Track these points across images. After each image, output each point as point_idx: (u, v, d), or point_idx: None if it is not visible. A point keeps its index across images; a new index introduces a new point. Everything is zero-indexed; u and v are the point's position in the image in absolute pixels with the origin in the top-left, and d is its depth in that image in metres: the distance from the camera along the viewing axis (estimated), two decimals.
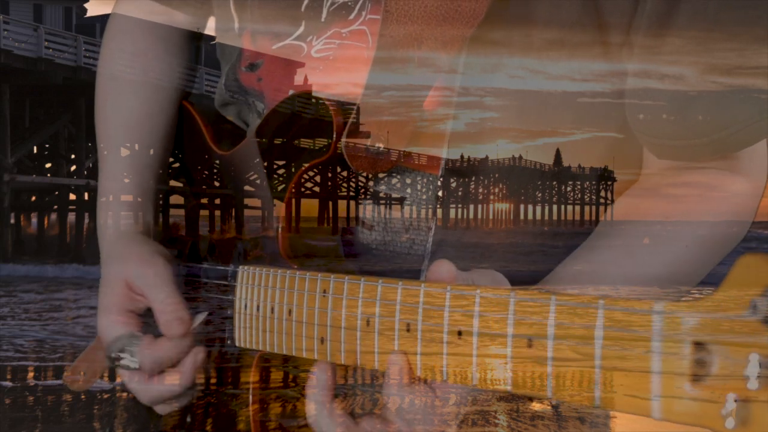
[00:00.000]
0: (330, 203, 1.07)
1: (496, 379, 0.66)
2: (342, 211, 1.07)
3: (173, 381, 1.03)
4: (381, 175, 1.00)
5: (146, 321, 1.07)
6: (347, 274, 0.84)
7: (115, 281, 1.09)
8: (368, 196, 1.00)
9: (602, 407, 0.58)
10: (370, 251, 1.00)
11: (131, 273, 1.07)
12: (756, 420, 0.50)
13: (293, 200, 1.00)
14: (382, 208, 1.00)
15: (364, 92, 0.98)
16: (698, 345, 0.52)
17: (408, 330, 0.74)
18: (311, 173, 1.02)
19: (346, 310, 0.82)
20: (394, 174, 1.00)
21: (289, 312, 0.91)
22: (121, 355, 1.02)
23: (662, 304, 0.55)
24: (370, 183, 1.00)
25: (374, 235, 1.00)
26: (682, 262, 0.97)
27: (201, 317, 1.03)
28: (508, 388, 0.65)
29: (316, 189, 1.05)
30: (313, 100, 1.02)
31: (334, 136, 0.96)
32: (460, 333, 0.69)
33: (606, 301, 0.58)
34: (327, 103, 0.97)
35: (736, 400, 0.50)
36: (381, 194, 1.00)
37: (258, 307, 0.97)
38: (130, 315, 1.07)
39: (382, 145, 0.96)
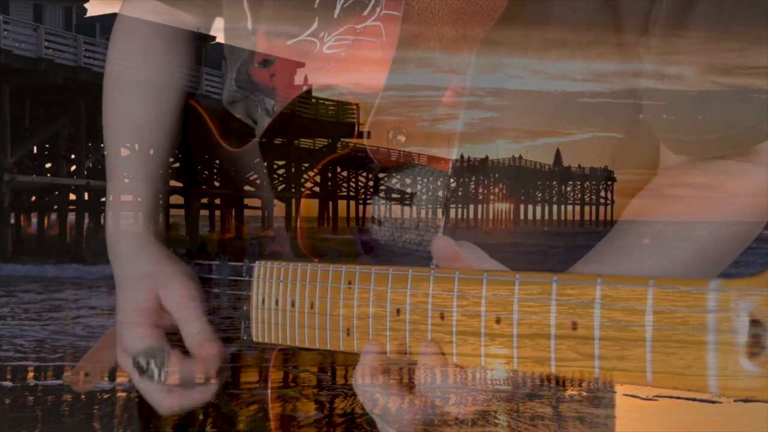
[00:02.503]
0: (330, 203, 1.07)
1: (539, 362, 0.66)
2: (342, 211, 1.07)
3: (195, 398, 1.04)
4: (387, 174, 1.00)
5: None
6: (373, 266, 0.83)
7: (147, 295, 1.09)
8: (375, 194, 1.00)
9: (655, 385, 0.58)
10: (388, 249, 0.99)
11: (165, 292, 1.08)
12: None
13: (303, 199, 1.00)
14: (391, 206, 1.00)
15: (381, 92, 0.97)
16: (754, 320, 0.53)
17: (442, 318, 0.74)
18: (311, 173, 1.02)
19: (373, 301, 0.82)
20: (404, 173, 1.00)
21: (312, 305, 0.91)
22: (151, 365, 1.03)
23: (717, 282, 0.55)
24: (371, 183, 1.00)
25: (383, 234, 1.00)
26: (699, 262, 0.97)
27: (231, 349, 1.04)
28: (552, 369, 0.65)
29: (316, 189, 1.05)
30: (313, 100, 1.02)
31: (356, 129, 0.95)
32: (498, 320, 0.69)
33: (656, 281, 0.58)
34: (338, 99, 0.97)
35: None
36: (392, 194, 1.00)
37: (277, 301, 0.97)
38: (159, 330, 1.07)
39: (403, 138, 0.96)
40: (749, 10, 0.91)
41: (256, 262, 1.03)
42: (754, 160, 0.96)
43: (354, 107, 0.97)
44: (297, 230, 0.99)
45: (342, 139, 0.98)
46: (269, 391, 1.04)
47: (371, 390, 0.79)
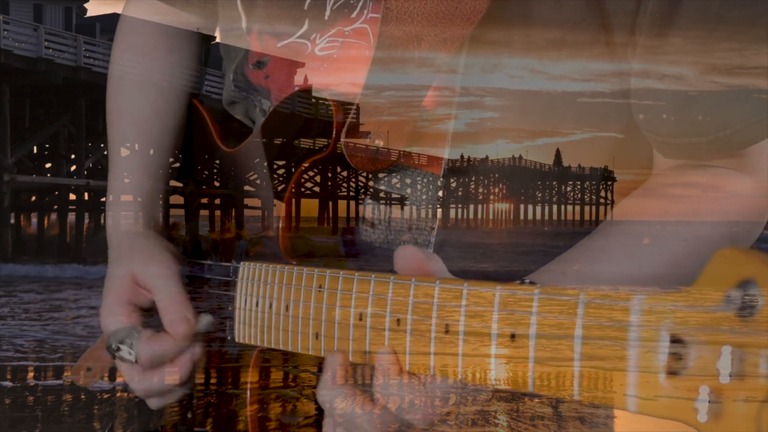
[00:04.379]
0: (330, 203, 1.07)
1: (480, 374, 0.66)
2: (342, 211, 1.07)
3: (169, 376, 1.03)
4: (382, 175, 1.00)
5: (149, 316, 1.08)
6: (343, 270, 0.84)
7: (121, 273, 1.09)
8: (369, 196, 1.00)
9: (582, 401, 0.58)
10: (370, 251, 1.00)
11: (138, 267, 1.08)
12: (728, 413, 0.50)
13: (293, 200, 1.00)
14: (384, 207, 1.00)
15: (363, 91, 0.98)
16: (674, 338, 0.52)
17: (398, 324, 0.74)
18: (311, 173, 1.02)
19: (340, 305, 0.82)
20: (395, 174, 1.00)
21: (287, 307, 0.91)
22: (120, 346, 1.03)
23: (641, 297, 0.55)
24: (371, 183, 1.00)
25: (375, 235, 1.00)
26: (682, 261, 0.97)
27: (206, 320, 1.03)
28: (492, 382, 0.65)
29: (316, 189, 1.05)
30: (313, 100, 1.02)
31: (334, 133, 0.96)
32: (447, 328, 0.69)
33: (587, 294, 0.58)
34: (329, 100, 0.97)
35: (709, 394, 0.50)
36: (382, 194, 1.00)
37: (257, 302, 0.98)
38: (133, 308, 1.07)
39: (381, 142, 0.96)
40: (736, 10, 0.91)
41: (241, 263, 1.03)
42: (739, 165, 0.96)
43: (354, 107, 0.97)
44: (279, 231, 1.00)
45: (320, 139, 0.98)
46: (248, 392, 1.04)
47: (334, 395, 0.79)
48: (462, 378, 0.68)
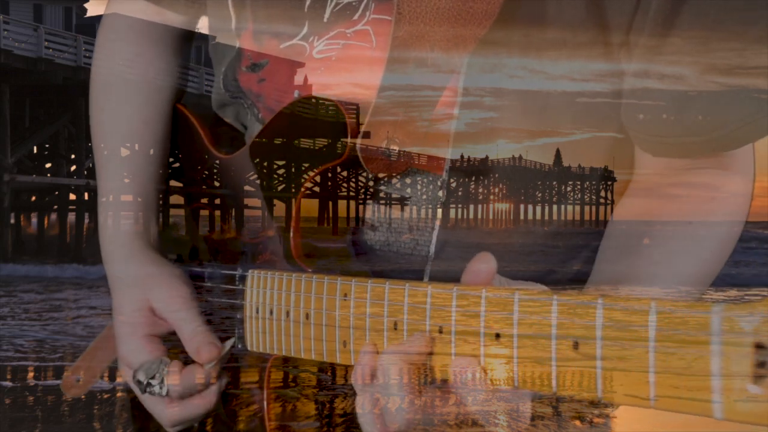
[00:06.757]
0: (330, 203, 1.07)
1: (539, 381, 0.66)
2: (342, 212, 1.07)
3: (198, 405, 1.03)
4: (383, 176, 0.99)
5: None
6: (368, 278, 0.83)
7: (137, 305, 1.09)
8: (371, 197, 1.00)
9: (658, 408, 0.58)
10: (373, 251, 0.99)
11: (155, 298, 1.08)
12: None
13: (293, 200, 1.00)
14: (386, 208, 1.00)
15: (376, 93, 0.97)
16: (759, 345, 0.53)
17: (441, 332, 0.74)
18: (311, 173, 1.01)
19: (370, 313, 0.81)
20: (397, 175, 0.99)
21: (307, 316, 0.90)
22: (151, 382, 1.02)
23: (720, 306, 0.55)
24: (371, 183, 1.00)
25: (377, 236, 0.99)
26: (709, 261, 0.98)
27: (230, 343, 1.03)
28: (554, 389, 0.65)
29: (316, 189, 1.05)
30: (313, 101, 1.02)
31: (348, 138, 0.95)
32: (498, 335, 0.69)
33: (657, 303, 0.58)
34: (338, 104, 0.96)
35: None
36: (384, 195, 1.00)
37: (271, 311, 0.97)
38: (155, 339, 1.07)
39: (396, 147, 0.96)
40: (739, 9, 0.91)
41: (249, 271, 1.02)
42: (727, 165, 0.97)
43: (354, 108, 0.97)
44: (290, 235, 0.99)
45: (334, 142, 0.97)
46: (265, 403, 1.03)
47: (371, 390, 0.78)
48: (518, 386, 0.68)
